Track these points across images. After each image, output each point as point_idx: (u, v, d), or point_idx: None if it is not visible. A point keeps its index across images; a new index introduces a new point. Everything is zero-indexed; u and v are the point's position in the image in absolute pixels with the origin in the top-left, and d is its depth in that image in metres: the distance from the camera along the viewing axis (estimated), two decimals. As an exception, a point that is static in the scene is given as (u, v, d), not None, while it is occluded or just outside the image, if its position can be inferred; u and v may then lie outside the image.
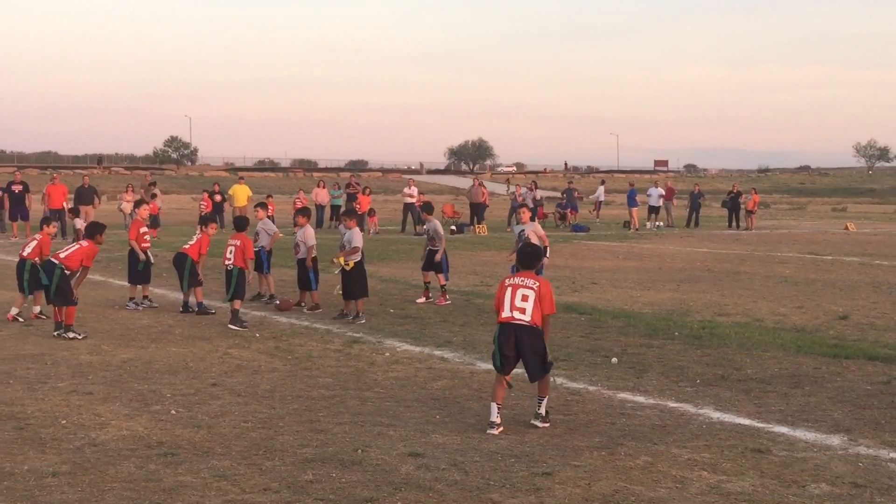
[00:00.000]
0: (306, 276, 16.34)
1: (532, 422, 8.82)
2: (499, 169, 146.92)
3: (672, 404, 9.67)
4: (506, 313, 8.82)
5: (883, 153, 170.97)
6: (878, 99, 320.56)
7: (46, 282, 13.77)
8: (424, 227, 18.29)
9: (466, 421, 9.00)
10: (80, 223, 25.76)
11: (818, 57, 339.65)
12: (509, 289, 8.89)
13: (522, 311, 8.75)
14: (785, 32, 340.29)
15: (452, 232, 38.93)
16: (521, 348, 8.72)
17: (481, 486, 7.02)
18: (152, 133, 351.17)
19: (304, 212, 17.52)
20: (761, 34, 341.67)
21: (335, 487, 6.97)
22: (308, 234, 16.59)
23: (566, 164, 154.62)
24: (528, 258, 9.26)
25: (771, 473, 7.39)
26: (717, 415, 9.23)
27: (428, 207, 18.62)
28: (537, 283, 8.86)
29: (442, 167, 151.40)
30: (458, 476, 7.28)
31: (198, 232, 16.75)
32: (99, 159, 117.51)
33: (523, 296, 8.80)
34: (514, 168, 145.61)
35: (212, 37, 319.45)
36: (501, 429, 8.60)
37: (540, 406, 8.89)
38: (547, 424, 8.78)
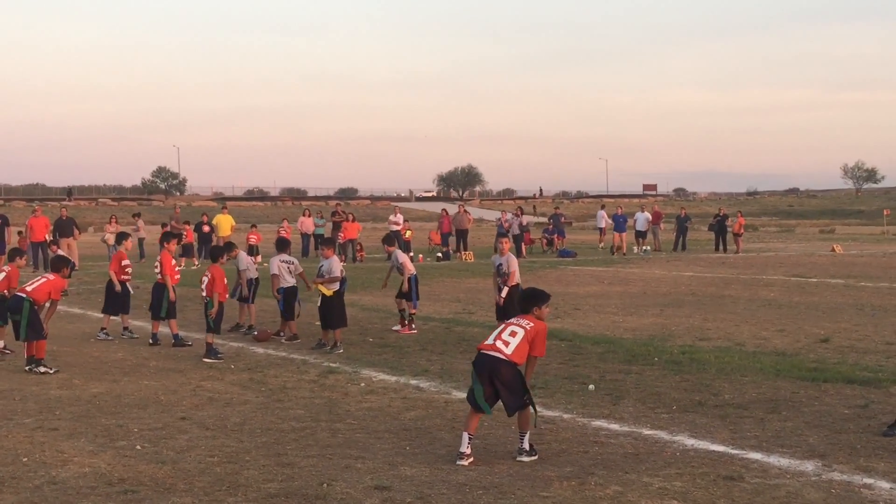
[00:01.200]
0: (290, 303, 16.23)
1: (518, 458, 8.60)
2: (491, 192, 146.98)
3: (647, 431, 9.54)
4: (488, 342, 8.71)
5: (871, 174, 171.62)
6: (866, 120, 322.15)
7: (16, 316, 13.60)
8: (389, 259, 17.98)
9: (437, 452, 8.85)
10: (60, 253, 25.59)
11: (805, 79, 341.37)
12: (503, 324, 8.87)
13: (506, 343, 8.62)
14: (772, 56, 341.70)
15: (438, 259, 38.83)
16: (495, 381, 8.57)
17: (446, 520, 6.88)
18: (140, 163, 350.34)
19: (280, 243, 17.26)
20: (749, 58, 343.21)
21: (296, 523, 6.81)
22: (273, 263, 16.51)
23: (540, 189, 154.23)
24: (525, 301, 9.13)
25: (742, 501, 7.25)
26: (691, 441, 9.10)
27: (388, 239, 18.36)
28: (531, 324, 8.76)
29: (431, 194, 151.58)
30: (423, 509, 7.13)
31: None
32: (69, 191, 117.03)
33: (512, 332, 8.71)
34: (538, 193, 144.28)
35: (199, 66, 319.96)
36: (471, 460, 8.45)
37: (522, 441, 8.70)
38: (535, 457, 8.60)
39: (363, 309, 20.09)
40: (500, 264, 16.02)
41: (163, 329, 15.98)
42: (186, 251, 36.74)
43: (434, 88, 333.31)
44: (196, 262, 36.33)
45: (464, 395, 11.29)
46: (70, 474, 8.14)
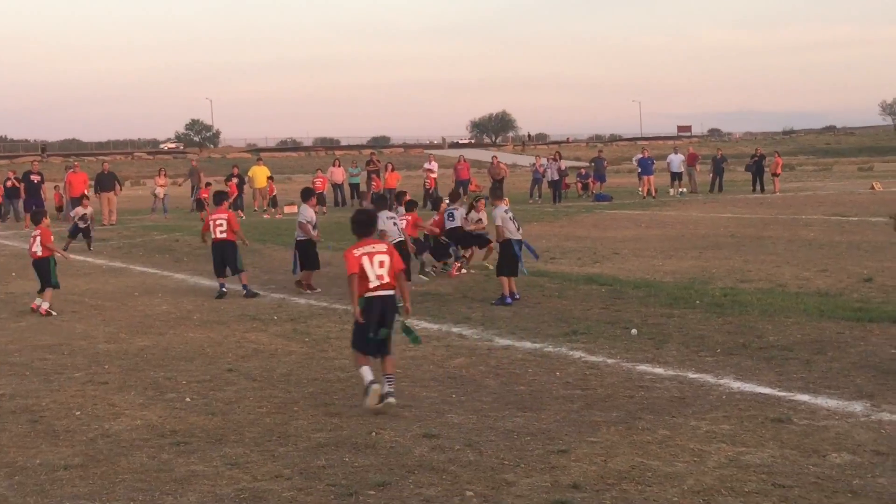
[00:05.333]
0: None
1: (387, 402, 8.48)
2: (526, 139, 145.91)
3: (692, 375, 9.53)
4: (371, 283, 8.71)
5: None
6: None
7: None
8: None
9: (483, 399, 8.90)
10: (81, 211, 25.73)
11: (842, 16, 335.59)
12: (362, 255, 8.76)
13: (381, 277, 8.72)
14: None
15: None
16: (386, 316, 8.72)
17: (495, 467, 6.93)
18: (174, 117, 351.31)
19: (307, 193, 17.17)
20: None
21: (347, 472, 6.89)
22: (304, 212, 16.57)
23: (568, 139, 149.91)
24: (368, 226, 9.18)
25: (791, 443, 7.25)
26: (737, 384, 9.08)
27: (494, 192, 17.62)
28: (384, 245, 8.99)
29: (464, 140, 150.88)
30: (472, 457, 7.18)
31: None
32: (42, 148, 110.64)
33: (380, 262, 8.76)
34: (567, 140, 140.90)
35: (231, 19, 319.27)
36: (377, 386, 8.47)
37: (391, 384, 8.64)
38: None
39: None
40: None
41: (195, 280, 16.11)
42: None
43: (465, 35, 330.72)
44: (242, 215, 35.41)
45: (506, 341, 11.38)
46: (123, 427, 8.27)
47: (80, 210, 26.03)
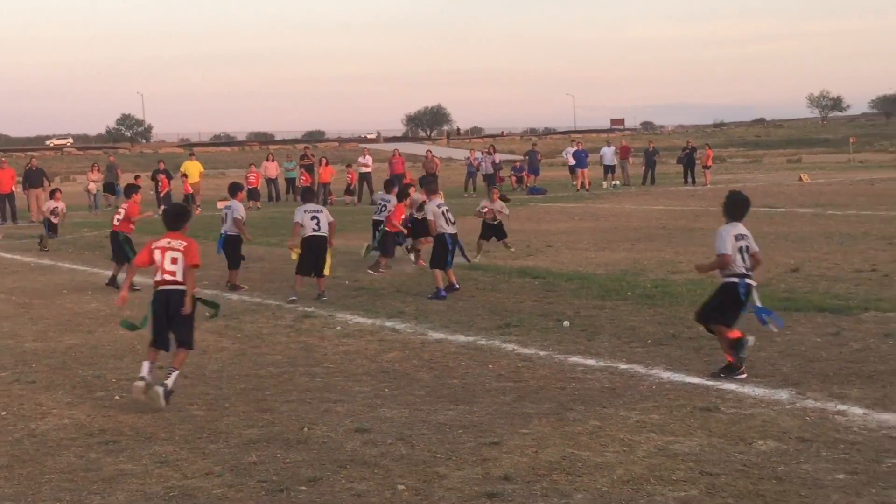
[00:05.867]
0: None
1: (156, 388, 8.55)
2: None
3: (623, 366, 9.63)
4: (156, 277, 8.92)
5: (836, 103, 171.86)
6: (831, 50, 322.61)
7: None
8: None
9: (416, 393, 8.90)
10: (52, 205, 25.65)
11: (772, 9, 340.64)
12: (156, 249, 8.95)
13: (172, 273, 8.85)
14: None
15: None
16: (171, 313, 8.83)
17: (427, 460, 6.94)
18: (105, 112, 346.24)
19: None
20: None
21: (279, 468, 6.86)
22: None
23: (503, 132, 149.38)
24: (178, 218, 9.31)
25: (719, 432, 7.36)
26: (667, 374, 9.20)
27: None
28: (184, 243, 8.98)
29: (399, 134, 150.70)
30: (404, 450, 7.19)
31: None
32: None
33: (172, 258, 8.86)
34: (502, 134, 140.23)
35: (163, 12, 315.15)
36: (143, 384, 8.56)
37: (170, 377, 8.72)
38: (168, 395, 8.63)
39: (337, 252, 19.99)
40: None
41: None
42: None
43: (401, 29, 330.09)
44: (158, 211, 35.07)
45: (440, 335, 11.40)
46: (50, 426, 8.14)
47: (51, 204, 25.79)
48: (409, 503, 6.17)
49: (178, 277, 8.84)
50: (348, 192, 38.37)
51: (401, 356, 10.48)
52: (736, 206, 9.34)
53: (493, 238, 18.84)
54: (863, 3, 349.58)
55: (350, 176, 39.20)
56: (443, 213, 14.65)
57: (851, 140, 70.94)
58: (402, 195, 18.23)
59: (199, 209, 35.07)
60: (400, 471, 6.73)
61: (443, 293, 14.13)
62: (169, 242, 8.96)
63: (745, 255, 9.22)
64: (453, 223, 14.75)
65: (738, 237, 9.21)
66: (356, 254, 18.73)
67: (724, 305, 9.26)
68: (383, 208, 18.35)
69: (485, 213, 18.65)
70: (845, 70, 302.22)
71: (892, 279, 14.20)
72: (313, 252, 14.48)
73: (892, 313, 11.64)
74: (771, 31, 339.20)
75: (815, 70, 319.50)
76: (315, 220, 14.65)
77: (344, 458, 7.05)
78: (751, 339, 9.07)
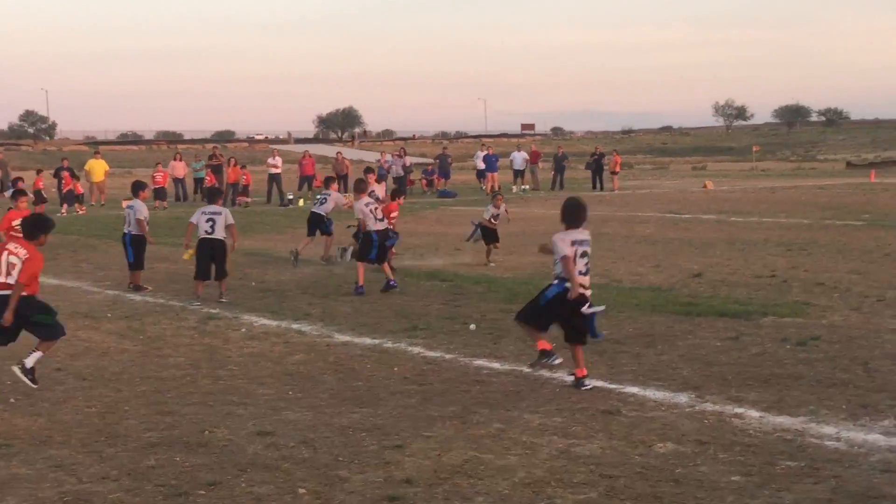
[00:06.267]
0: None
1: (13, 367, 8.78)
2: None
3: (527, 369, 9.68)
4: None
5: (740, 112, 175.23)
6: (737, 60, 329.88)
7: None
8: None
9: (320, 396, 8.85)
10: None
11: (679, 18, 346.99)
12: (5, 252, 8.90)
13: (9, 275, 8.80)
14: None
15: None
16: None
17: (329, 463, 6.90)
18: (7, 107, 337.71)
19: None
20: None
21: (178, 472, 6.75)
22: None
23: (414, 135, 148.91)
24: (35, 227, 9.23)
25: (619, 435, 7.46)
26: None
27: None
28: (28, 254, 8.87)
29: (310, 136, 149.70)
30: (306, 453, 7.13)
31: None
32: None
33: (10, 263, 8.80)
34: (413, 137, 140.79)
35: (68, 6, 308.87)
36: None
37: (29, 356, 8.85)
38: (31, 382, 8.79)
39: (244, 253, 19.81)
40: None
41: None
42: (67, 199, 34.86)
43: (312, 30, 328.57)
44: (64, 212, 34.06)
45: (346, 337, 11.36)
46: (-60, 431, 7.89)
47: None
48: (311, 507, 6.13)
49: (9, 282, 8.74)
50: (244, 193, 37.82)
51: (306, 358, 10.41)
52: (572, 213, 9.41)
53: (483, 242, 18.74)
54: (768, 15, 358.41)
55: (246, 177, 38.63)
56: (370, 210, 15.28)
57: (754, 149, 72.70)
58: (397, 194, 18.83)
59: (86, 208, 34.21)
60: (302, 474, 6.67)
61: (361, 289, 14.52)
62: (16, 248, 8.87)
63: (580, 260, 9.16)
64: (380, 220, 15.39)
65: (576, 242, 9.22)
66: (269, 255, 18.55)
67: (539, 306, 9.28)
68: (323, 201, 19.50)
69: (496, 222, 18.67)
70: (750, 80, 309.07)
71: (790, 285, 14.54)
72: (206, 254, 14.41)
73: (789, 318, 11.92)
74: (678, 40, 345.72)
75: (720, 79, 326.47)
76: (210, 223, 14.55)
77: (245, 461, 6.97)
78: (558, 360, 9.15)
